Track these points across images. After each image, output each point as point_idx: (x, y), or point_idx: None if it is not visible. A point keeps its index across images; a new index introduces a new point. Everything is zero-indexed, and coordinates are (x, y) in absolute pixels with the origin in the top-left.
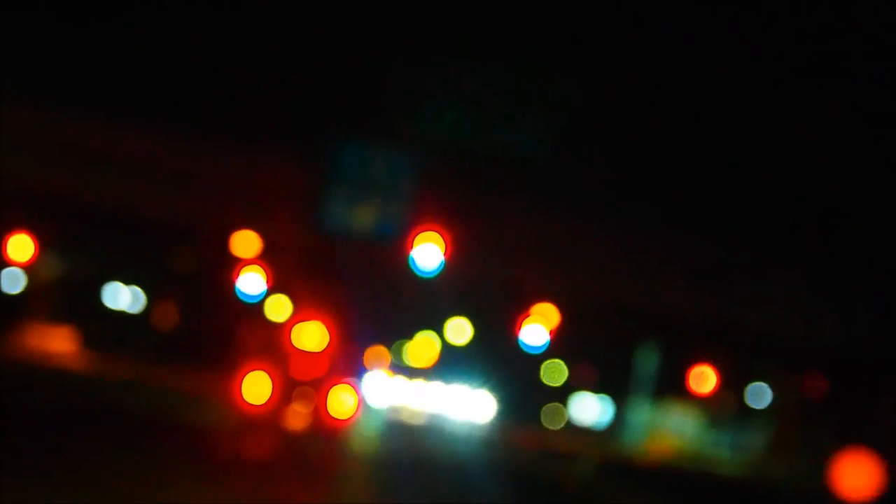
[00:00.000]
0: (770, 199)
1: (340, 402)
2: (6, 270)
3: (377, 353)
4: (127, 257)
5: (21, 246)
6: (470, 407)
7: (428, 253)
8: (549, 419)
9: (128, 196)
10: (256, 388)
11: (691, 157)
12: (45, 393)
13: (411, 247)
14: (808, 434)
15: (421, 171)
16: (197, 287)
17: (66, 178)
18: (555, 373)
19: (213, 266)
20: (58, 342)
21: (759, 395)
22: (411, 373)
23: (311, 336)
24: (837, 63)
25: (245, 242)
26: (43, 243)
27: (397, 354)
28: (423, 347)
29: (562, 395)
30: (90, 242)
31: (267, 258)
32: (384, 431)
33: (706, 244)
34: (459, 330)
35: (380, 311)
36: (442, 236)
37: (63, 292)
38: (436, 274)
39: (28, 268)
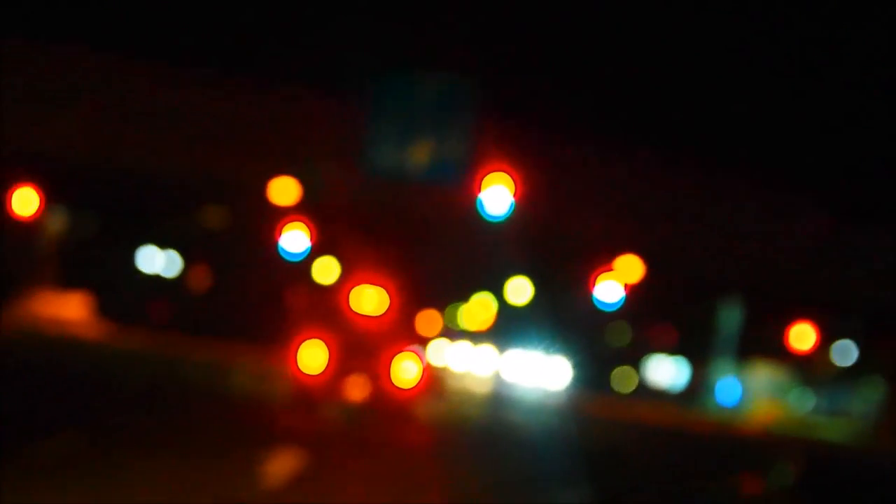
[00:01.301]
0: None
1: (404, 370)
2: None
3: (432, 316)
4: (151, 215)
5: (25, 200)
6: (541, 373)
7: (497, 195)
8: (622, 383)
9: (150, 146)
10: (311, 357)
11: (801, 96)
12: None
13: (478, 189)
14: None
15: (482, 101)
16: (234, 248)
17: (81, 126)
18: (620, 333)
19: (251, 222)
20: (71, 310)
21: (851, 355)
22: (474, 337)
23: (370, 299)
24: None
25: (284, 191)
26: (51, 199)
27: (455, 317)
28: (482, 309)
29: (635, 356)
30: (106, 198)
31: (309, 209)
32: (452, 401)
33: (810, 190)
34: (523, 289)
35: (442, 265)
36: (511, 176)
37: (78, 254)
38: (505, 218)
39: (36, 227)
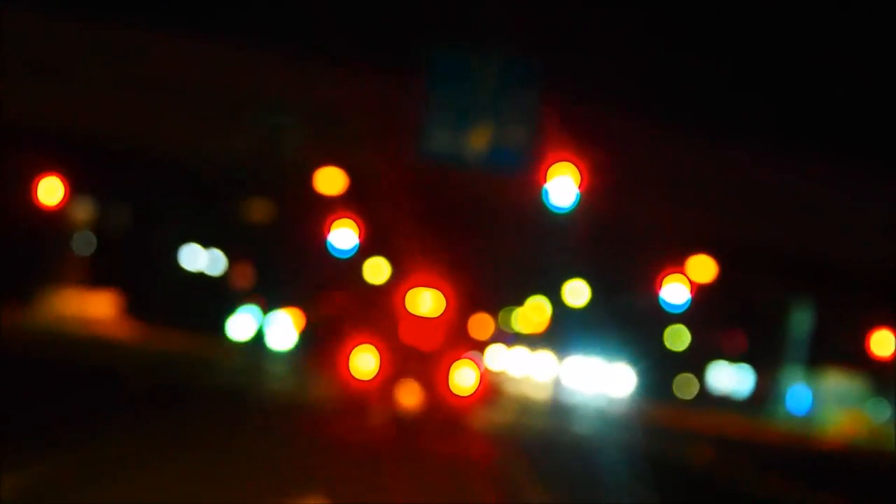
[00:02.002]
0: None
1: (462, 377)
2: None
3: (484, 319)
4: (188, 207)
5: (50, 189)
6: (603, 379)
7: (562, 186)
8: (684, 390)
9: (183, 129)
10: (362, 361)
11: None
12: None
13: (544, 179)
14: None
15: (544, 85)
16: (278, 244)
17: (109, 109)
18: (683, 336)
19: (296, 217)
20: (99, 308)
21: None
22: (529, 342)
23: (425, 302)
24: None
25: (331, 182)
26: (77, 188)
27: (509, 320)
28: (537, 312)
29: (699, 361)
30: (140, 188)
31: (358, 200)
32: (510, 409)
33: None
34: (581, 290)
35: (500, 262)
36: (576, 165)
37: (109, 247)
38: (570, 211)
39: (62, 217)
